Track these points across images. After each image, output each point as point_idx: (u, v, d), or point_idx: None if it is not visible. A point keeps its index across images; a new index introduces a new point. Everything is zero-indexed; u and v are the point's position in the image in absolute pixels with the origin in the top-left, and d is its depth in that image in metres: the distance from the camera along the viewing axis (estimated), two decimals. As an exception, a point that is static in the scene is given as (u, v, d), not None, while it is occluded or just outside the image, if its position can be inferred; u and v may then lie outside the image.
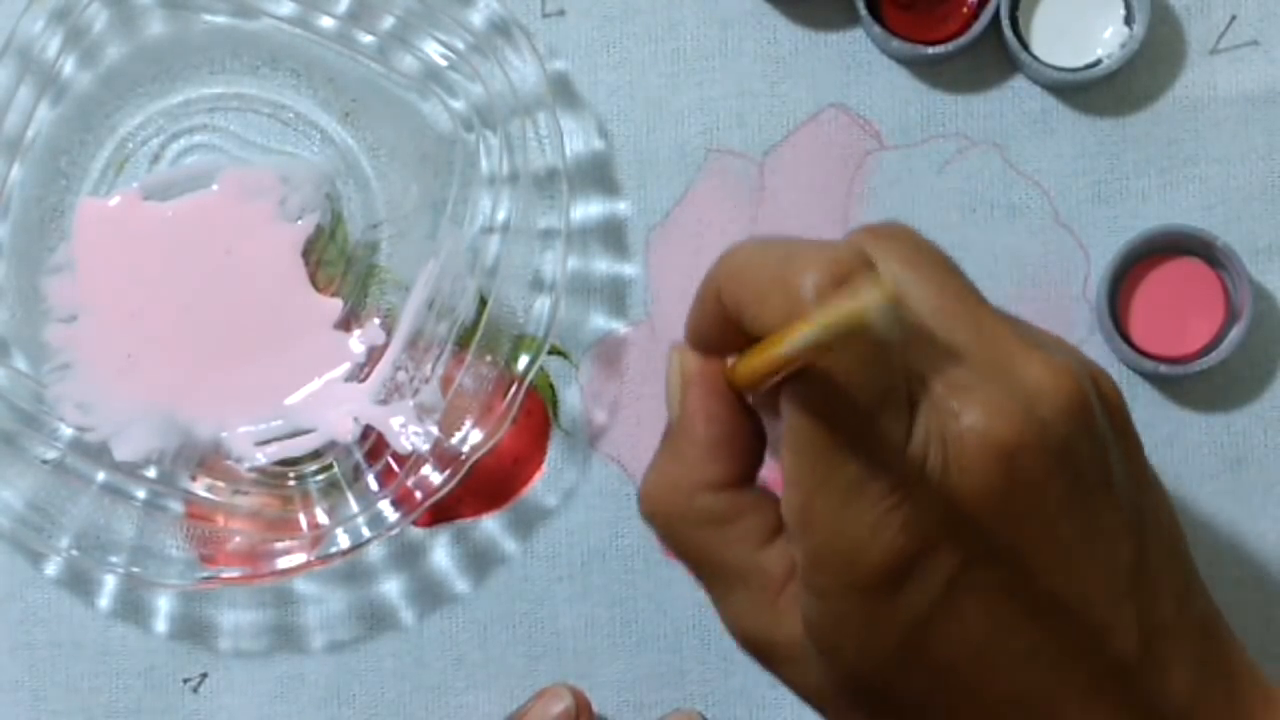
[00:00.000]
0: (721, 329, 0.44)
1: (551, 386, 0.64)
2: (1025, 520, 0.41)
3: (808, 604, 0.43)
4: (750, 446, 0.45)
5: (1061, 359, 0.43)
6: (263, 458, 0.62)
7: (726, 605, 0.45)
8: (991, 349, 0.42)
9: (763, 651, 0.45)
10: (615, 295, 0.64)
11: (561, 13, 0.64)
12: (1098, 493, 0.42)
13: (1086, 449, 0.42)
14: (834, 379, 0.40)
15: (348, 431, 0.62)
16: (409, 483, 0.61)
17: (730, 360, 0.45)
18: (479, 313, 0.61)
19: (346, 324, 0.63)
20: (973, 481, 0.41)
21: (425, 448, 0.61)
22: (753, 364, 0.43)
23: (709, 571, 0.45)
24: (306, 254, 0.63)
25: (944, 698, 0.43)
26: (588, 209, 0.64)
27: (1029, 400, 0.41)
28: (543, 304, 0.61)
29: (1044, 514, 0.42)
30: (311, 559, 0.61)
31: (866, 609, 0.42)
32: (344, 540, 0.61)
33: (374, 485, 0.62)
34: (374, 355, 0.63)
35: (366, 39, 0.62)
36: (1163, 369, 0.61)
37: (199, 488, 0.63)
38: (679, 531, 0.45)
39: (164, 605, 0.64)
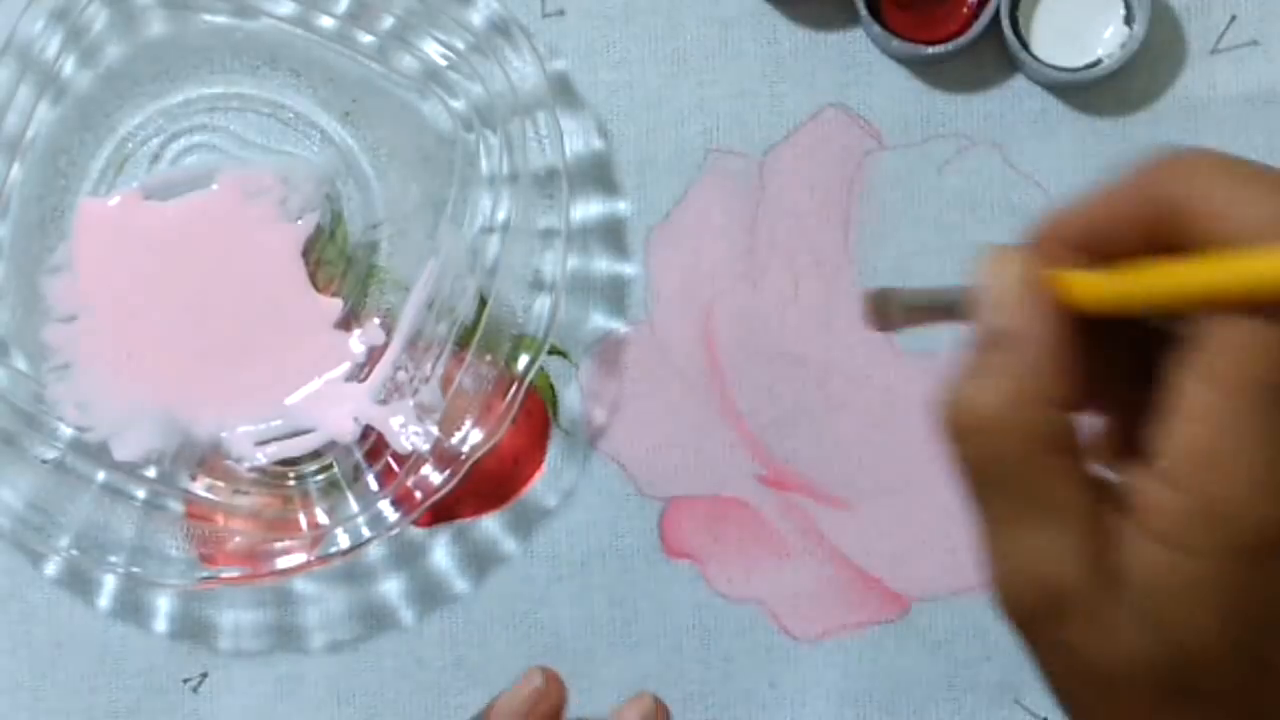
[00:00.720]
0: (1132, 235, 0.39)
1: (551, 386, 0.64)
2: None
3: (1166, 560, 0.37)
4: (1077, 371, 0.40)
5: None
6: (263, 458, 0.62)
7: (1016, 541, 0.39)
8: None
9: (1048, 603, 0.39)
10: (615, 295, 0.64)
11: (561, 13, 0.64)
12: None
13: None
14: None
15: (348, 431, 0.62)
16: (409, 483, 0.61)
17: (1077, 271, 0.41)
18: (479, 313, 0.61)
19: (346, 324, 0.63)
20: None
21: (425, 448, 0.61)
22: (1162, 281, 0.38)
23: (1016, 500, 0.40)
24: (306, 254, 0.63)
25: (1264, 698, 0.38)
26: (588, 209, 0.64)
27: None
28: (543, 304, 0.61)
29: None
30: (311, 559, 0.61)
31: (1241, 577, 0.37)
32: (344, 540, 0.61)
33: (374, 485, 0.62)
34: (374, 355, 0.63)
35: (366, 39, 0.62)
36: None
37: (199, 488, 0.63)
38: (1008, 449, 0.39)
39: (164, 605, 0.64)
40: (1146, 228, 0.39)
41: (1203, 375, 0.37)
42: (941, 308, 0.51)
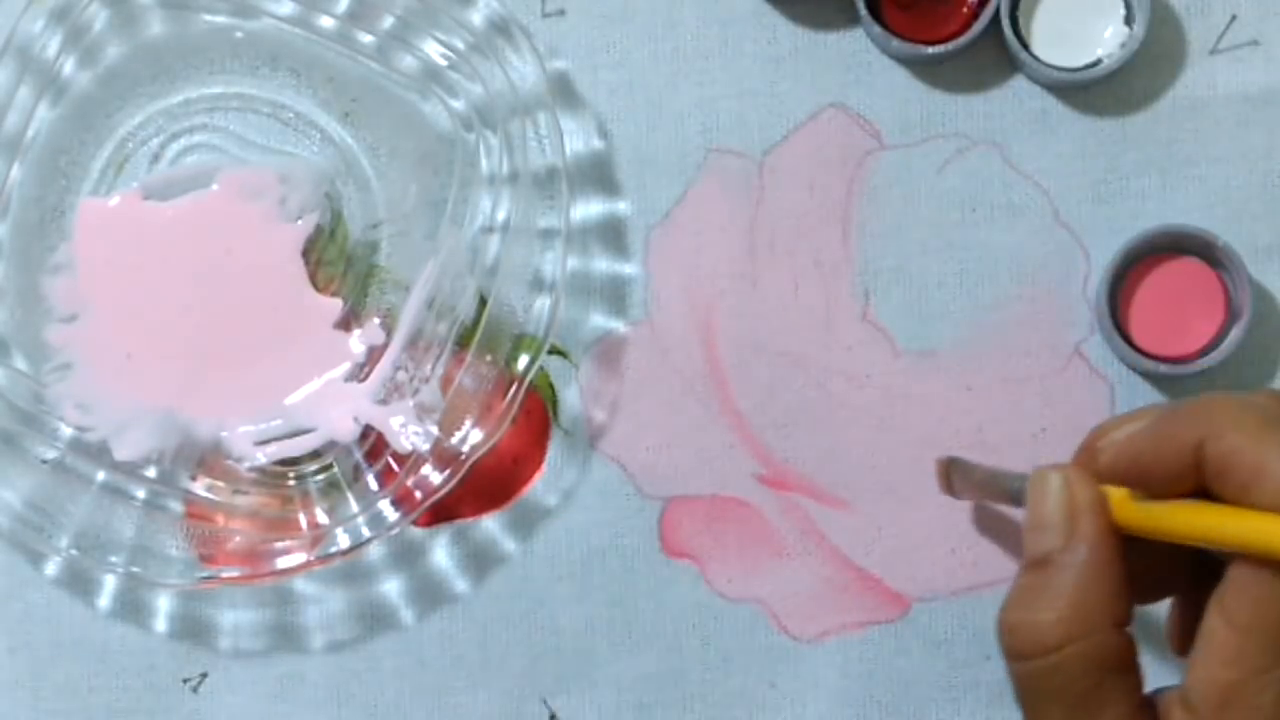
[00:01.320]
0: (1173, 472, 0.43)
1: (551, 386, 0.64)
2: None
3: None
4: (1129, 592, 0.43)
5: None
6: (263, 457, 0.62)
7: None
8: None
9: None
10: (615, 295, 0.64)
11: (561, 13, 0.64)
12: None
13: None
14: None
15: (348, 431, 0.62)
16: (409, 483, 0.61)
17: (1124, 492, 0.44)
18: (479, 312, 0.61)
19: (346, 324, 0.63)
20: None
21: (425, 448, 0.61)
22: (1204, 524, 0.42)
23: (1069, 715, 0.43)
24: (306, 254, 0.63)
25: None
26: (588, 209, 0.64)
27: None
28: (543, 304, 0.61)
29: None
30: (311, 559, 0.61)
31: None
32: (344, 540, 0.61)
33: (374, 485, 0.62)
34: (374, 355, 0.63)
35: (366, 39, 0.62)
36: (1163, 369, 0.61)
37: (199, 488, 0.63)
38: (1068, 669, 0.42)
39: (164, 605, 0.64)
40: (1183, 475, 0.42)
41: (1226, 613, 0.40)
42: (1004, 491, 0.53)
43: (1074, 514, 0.44)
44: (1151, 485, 0.44)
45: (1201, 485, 0.43)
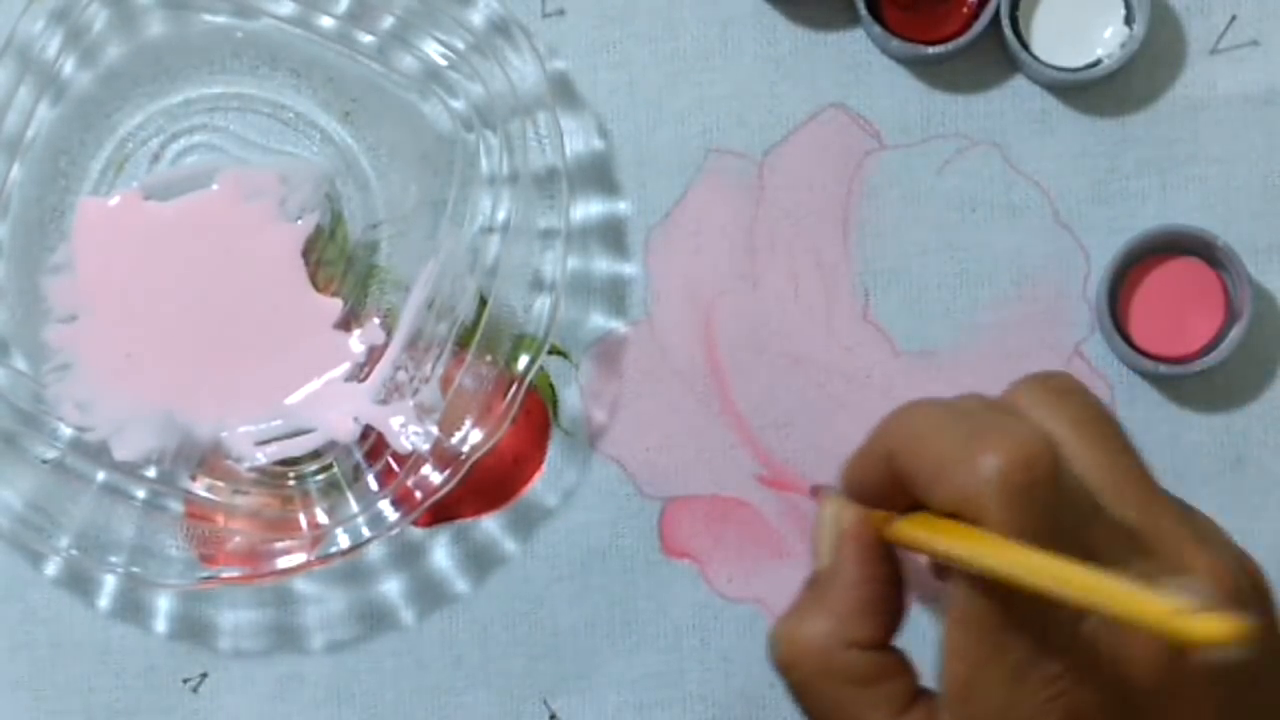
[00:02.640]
0: (887, 488, 0.45)
1: (551, 386, 0.64)
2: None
3: None
4: (898, 604, 0.46)
5: (1222, 561, 0.43)
6: (263, 457, 0.62)
7: None
8: (1161, 539, 0.42)
9: None
10: (615, 295, 0.64)
11: (561, 13, 0.64)
12: (1251, 694, 0.42)
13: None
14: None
15: (348, 431, 0.62)
16: (409, 483, 0.61)
17: (883, 514, 0.46)
18: (479, 313, 0.61)
19: (346, 324, 0.63)
20: (1140, 674, 0.41)
21: (425, 448, 0.61)
22: (919, 539, 0.43)
23: None
24: (306, 254, 0.63)
25: None
26: (588, 209, 0.64)
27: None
28: (543, 304, 0.61)
29: (1204, 713, 0.42)
30: (311, 559, 0.61)
31: None
32: (344, 540, 0.61)
33: (374, 485, 0.62)
34: (374, 355, 0.63)
35: (366, 39, 0.62)
36: (1163, 369, 0.61)
37: (199, 488, 0.63)
38: (818, 686, 0.45)
39: (164, 605, 0.64)
40: (898, 483, 0.44)
41: (954, 615, 0.42)
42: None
43: (836, 536, 0.46)
44: (881, 502, 0.46)
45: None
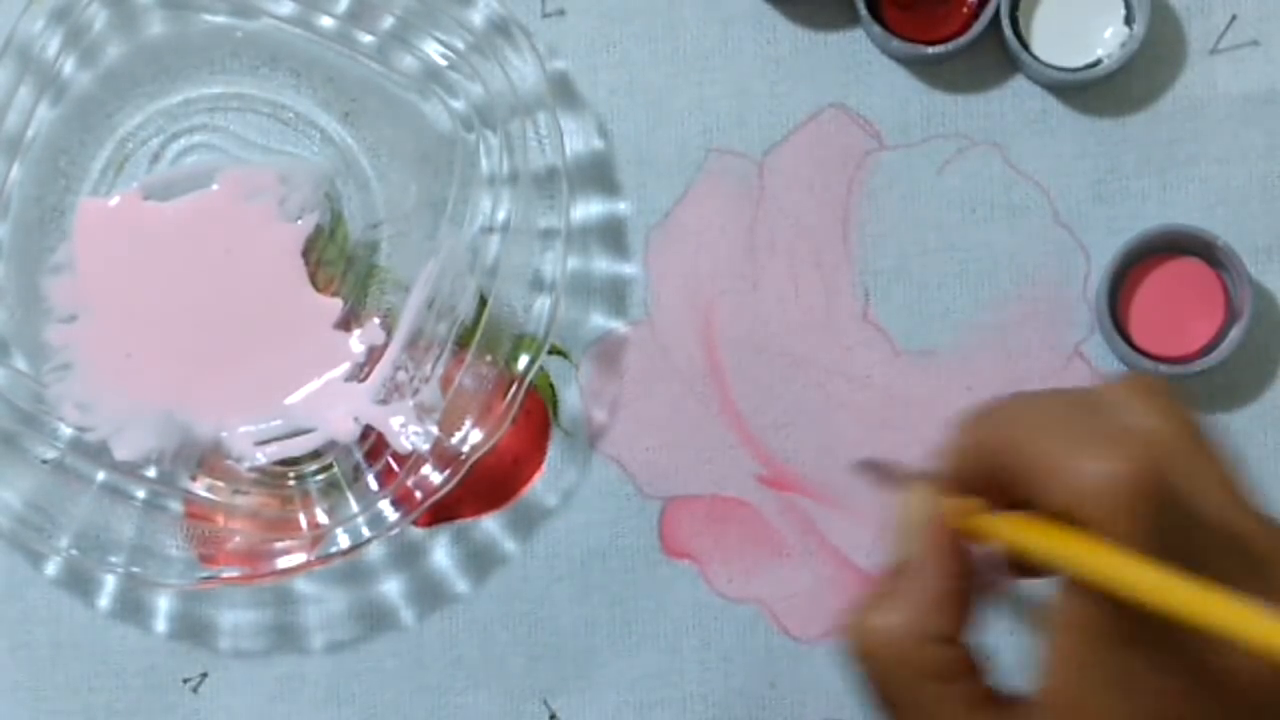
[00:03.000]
0: (984, 482, 0.44)
1: (551, 386, 0.64)
2: None
3: None
4: (970, 599, 0.45)
5: None
6: (263, 457, 0.62)
7: None
8: (1269, 553, 0.42)
9: None
10: (615, 295, 0.64)
11: (561, 13, 0.64)
12: None
13: None
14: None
15: (348, 431, 0.62)
16: (409, 483, 0.61)
17: (968, 505, 0.45)
18: (479, 313, 0.61)
19: (346, 324, 0.63)
20: (1250, 692, 0.40)
21: (425, 448, 0.61)
22: (1022, 539, 0.42)
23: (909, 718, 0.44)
24: (306, 254, 0.63)
25: None
26: (588, 209, 0.64)
27: None
28: (543, 304, 0.61)
29: None
30: (311, 559, 0.61)
31: None
32: (344, 540, 0.61)
33: (374, 485, 0.62)
34: (374, 355, 0.63)
35: (366, 39, 0.62)
36: (1163, 369, 0.61)
37: (199, 488, 0.63)
38: (896, 678, 0.44)
39: (164, 605, 0.64)
40: (992, 476, 0.43)
41: (1062, 619, 0.41)
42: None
43: (918, 527, 0.45)
44: (969, 492, 0.45)
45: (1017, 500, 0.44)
